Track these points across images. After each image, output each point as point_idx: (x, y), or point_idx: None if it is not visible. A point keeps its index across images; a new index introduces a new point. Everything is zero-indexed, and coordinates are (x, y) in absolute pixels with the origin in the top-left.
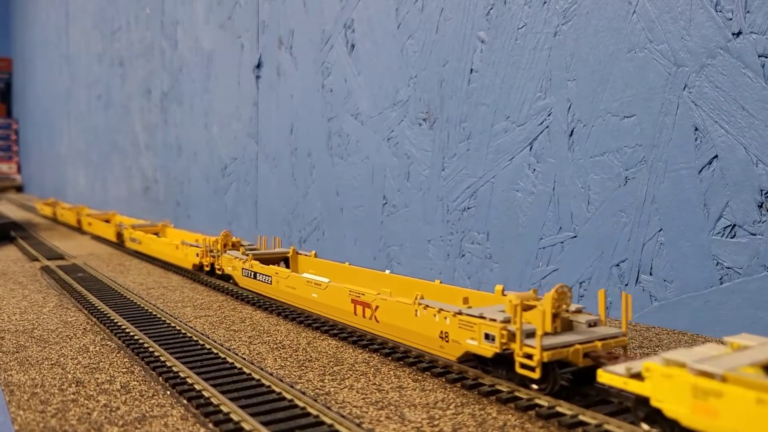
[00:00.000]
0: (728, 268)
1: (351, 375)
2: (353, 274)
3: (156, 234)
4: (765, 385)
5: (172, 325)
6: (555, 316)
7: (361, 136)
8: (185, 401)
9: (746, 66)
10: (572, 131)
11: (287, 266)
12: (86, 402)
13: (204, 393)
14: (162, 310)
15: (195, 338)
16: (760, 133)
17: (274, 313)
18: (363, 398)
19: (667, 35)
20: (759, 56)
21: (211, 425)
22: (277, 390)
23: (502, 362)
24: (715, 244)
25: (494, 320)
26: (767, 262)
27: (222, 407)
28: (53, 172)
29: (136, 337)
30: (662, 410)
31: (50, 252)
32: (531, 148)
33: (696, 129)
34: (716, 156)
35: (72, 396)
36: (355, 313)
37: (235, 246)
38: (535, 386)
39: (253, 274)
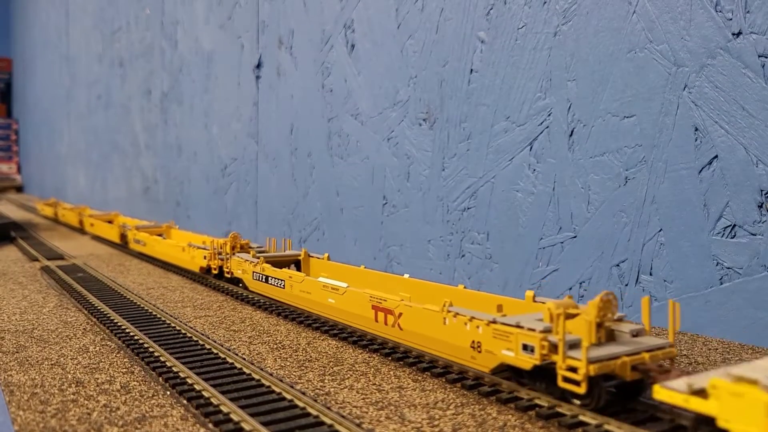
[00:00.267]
0: (728, 268)
1: (351, 375)
2: (369, 278)
3: (160, 235)
4: None
5: (172, 325)
6: (599, 325)
7: (361, 137)
8: (185, 401)
9: (746, 66)
10: (572, 131)
11: (298, 269)
12: (86, 402)
13: (204, 393)
14: (162, 311)
15: (195, 338)
16: (760, 133)
17: (274, 313)
18: (363, 398)
19: (667, 35)
20: (759, 56)
21: (211, 425)
22: (277, 390)
23: (541, 375)
24: (715, 244)
25: (533, 330)
26: (767, 262)
27: (222, 407)
28: (53, 172)
29: (136, 338)
30: None
31: (50, 252)
32: (531, 148)
33: (696, 129)
34: (716, 156)
35: (72, 396)
36: (376, 320)
37: (244, 248)
38: (577, 401)
39: (264, 277)
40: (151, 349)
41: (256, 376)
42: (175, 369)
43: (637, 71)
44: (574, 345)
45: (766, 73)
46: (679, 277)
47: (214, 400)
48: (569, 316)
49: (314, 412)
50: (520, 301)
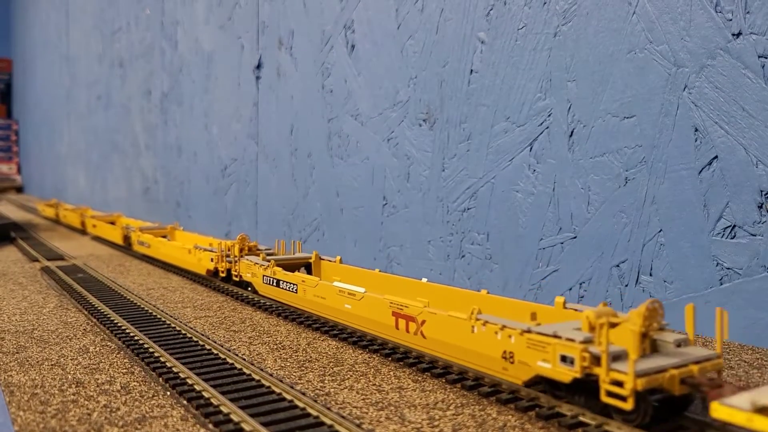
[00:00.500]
0: (728, 268)
1: (351, 376)
2: (385, 282)
3: (164, 237)
4: None
5: (172, 325)
6: (643, 335)
7: (361, 137)
8: (185, 402)
9: (746, 67)
10: (572, 132)
11: (308, 272)
12: (86, 403)
13: (204, 394)
14: (162, 311)
15: (195, 339)
16: (760, 133)
17: (274, 313)
18: (363, 399)
19: (667, 36)
20: (759, 57)
21: (211, 426)
22: (277, 390)
23: (580, 388)
24: (715, 244)
25: (572, 340)
26: (767, 263)
27: (222, 408)
28: (53, 172)
29: (136, 338)
30: None
31: (50, 253)
32: (531, 148)
33: (696, 130)
34: (716, 157)
35: (72, 397)
36: (397, 327)
37: (252, 250)
38: (620, 417)
39: (275, 281)
40: (151, 350)
41: (256, 377)
42: (175, 369)
43: (637, 72)
44: (618, 357)
45: (766, 73)
46: (679, 278)
47: (214, 401)
48: (611, 325)
49: (314, 413)
50: (549, 308)
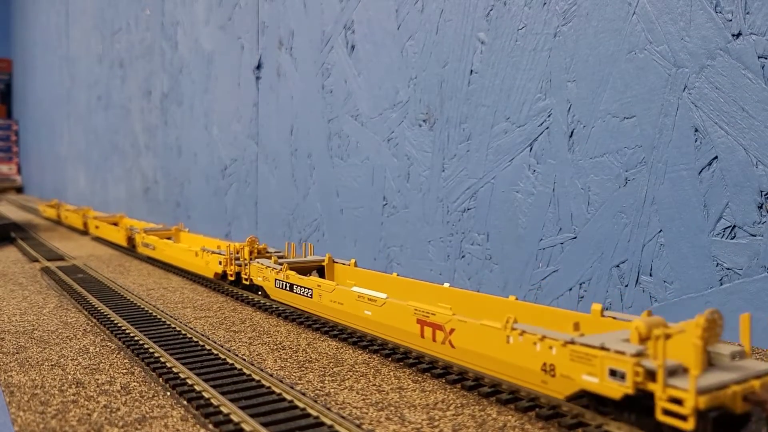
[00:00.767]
0: (728, 269)
1: (351, 376)
2: (403, 286)
3: (169, 238)
4: None
5: (173, 326)
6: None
7: (361, 137)
8: (185, 402)
9: (746, 67)
10: (572, 132)
11: (321, 276)
12: (86, 403)
13: (204, 394)
14: (162, 311)
15: (195, 339)
16: (760, 134)
17: (274, 314)
18: (363, 399)
19: (666, 36)
20: (759, 57)
21: (211, 426)
22: (278, 391)
23: (631, 405)
24: (715, 245)
25: (623, 353)
26: (767, 263)
27: (222, 408)
28: (53, 173)
29: (136, 338)
30: None
31: (50, 253)
32: (531, 149)
33: (696, 130)
34: (716, 157)
35: (72, 397)
36: (422, 336)
37: (262, 253)
38: None
39: (289, 286)
40: (151, 350)
41: (257, 377)
42: (175, 370)
43: (637, 72)
44: (674, 371)
45: (765, 74)
46: (679, 278)
47: (214, 401)
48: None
49: (314, 413)
50: (585, 316)
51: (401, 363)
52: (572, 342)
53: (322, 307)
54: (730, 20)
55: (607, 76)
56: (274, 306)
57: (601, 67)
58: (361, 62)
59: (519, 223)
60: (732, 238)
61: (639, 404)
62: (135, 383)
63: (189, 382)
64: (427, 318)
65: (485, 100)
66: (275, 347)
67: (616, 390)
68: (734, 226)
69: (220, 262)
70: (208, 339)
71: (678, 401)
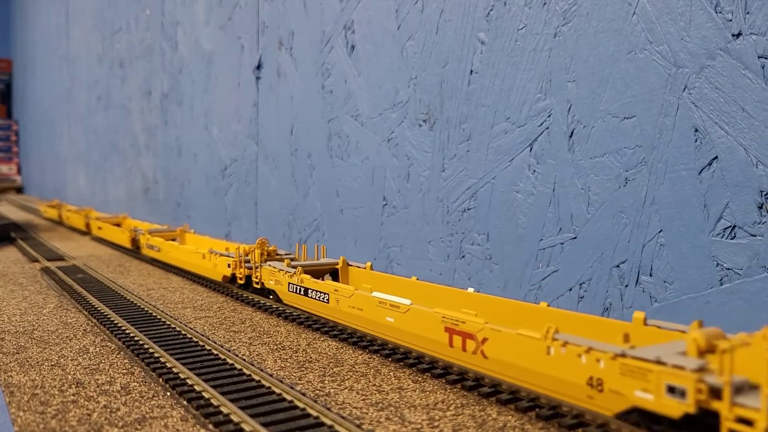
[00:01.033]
0: (728, 269)
1: (351, 376)
2: (423, 290)
3: (173, 240)
4: None
5: (173, 326)
6: None
7: (361, 138)
8: (185, 402)
9: (746, 67)
10: (572, 132)
11: (334, 279)
12: (86, 403)
13: (204, 394)
14: (162, 311)
15: (195, 339)
16: (760, 134)
17: (274, 314)
18: (363, 399)
19: (666, 36)
20: (759, 57)
21: (211, 426)
22: (278, 391)
23: (690, 424)
24: (715, 245)
25: (682, 368)
26: (767, 264)
27: (222, 408)
28: (53, 173)
29: (136, 338)
30: None
31: (50, 253)
32: (531, 149)
33: (696, 130)
34: (716, 157)
35: (72, 397)
36: (451, 345)
37: (272, 255)
38: None
39: (303, 290)
40: (151, 350)
41: (257, 377)
42: (175, 370)
43: (637, 72)
44: (740, 388)
45: (766, 74)
46: (679, 278)
47: (214, 401)
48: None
49: (314, 413)
50: (625, 324)
51: (401, 363)
52: (623, 355)
53: (340, 312)
54: (730, 20)
55: (607, 76)
56: (274, 307)
57: (601, 67)
58: (361, 62)
59: (519, 223)
60: (732, 238)
61: (700, 424)
62: (135, 383)
63: (189, 382)
64: (457, 326)
65: (485, 100)
66: (275, 347)
67: (675, 408)
68: (734, 226)
69: (229, 265)
70: (208, 339)
71: (748, 422)
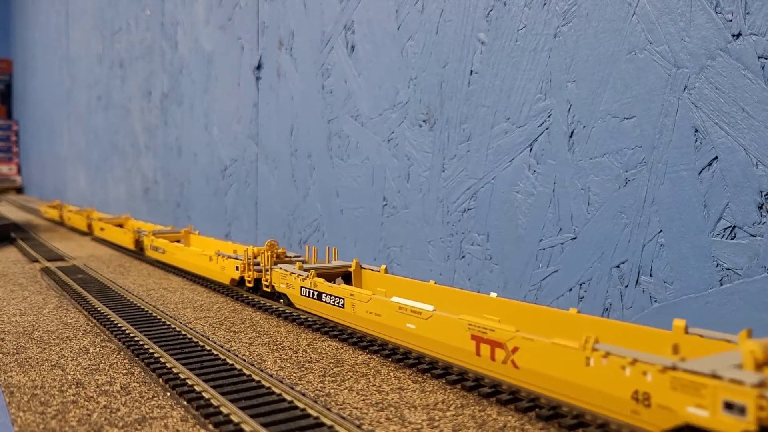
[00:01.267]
0: (728, 269)
1: (351, 376)
2: (442, 295)
3: (178, 241)
4: None
5: (173, 326)
6: None
7: (361, 138)
8: (185, 402)
9: (746, 67)
10: (572, 133)
11: (347, 282)
12: (86, 403)
13: (204, 394)
14: (162, 312)
15: (195, 339)
16: (760, 134)
17: (274, 314)
18: (363, 399)
19: (666, 36)
20: (759, 58)
21: (211, 426)
22: (278, 391)
23: None
24: (715, 245)
25: (741, 382)
26: (767, 264)
27: (222, 408)
28: (53, 173)
29: (136, 339)
30: None
31: (50, 253)
32: (531, 149)
33: (696, 130)
34: (716, 157)
35: (72, 397)
36: (478, 354)
37: (281, 257)
38: None
39: (317, 294)
40: (151, 351)
41: (257, 378)
42: (175, 370)
43: (637, 72)
44: None
45: (766, 74)
46: (679, 279)
47: (214, 402)
48: None
49: (314, 414)
50: (664, 333)
51: (401, 363)
52: (674, 368)
53: (356, 318)
54: (730, 20)
55: (607, 76)
56: (274, 307)
57: (601, 67)
58: (361, 62)
59: (519, 223)
60: (732, 239)
61: None
62: (135, 384)
63: (189, 382)
64: (485, 334)
65: (485, 101)
66: (275, 348)
67: (733, 426)
68: (734, 227)
69: (237, 268)
70: (208, 339)
71: None
